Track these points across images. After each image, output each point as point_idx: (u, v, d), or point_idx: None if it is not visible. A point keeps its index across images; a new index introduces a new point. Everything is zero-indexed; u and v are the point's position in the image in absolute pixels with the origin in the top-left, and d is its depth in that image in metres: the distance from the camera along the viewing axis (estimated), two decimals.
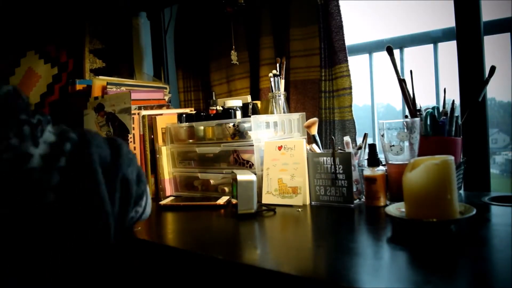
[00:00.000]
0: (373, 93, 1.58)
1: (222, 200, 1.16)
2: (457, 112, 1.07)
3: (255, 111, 1.42)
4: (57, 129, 0.70)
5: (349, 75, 1.35)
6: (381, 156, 1.06)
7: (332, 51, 1.37)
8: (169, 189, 1.38)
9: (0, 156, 0.62)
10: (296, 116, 1.35)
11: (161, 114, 1.41)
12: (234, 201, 1.08)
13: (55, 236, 0.66)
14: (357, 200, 1.08)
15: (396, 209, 0.89)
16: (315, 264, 0.72)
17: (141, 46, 2.06)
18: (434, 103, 1.39)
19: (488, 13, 1.17)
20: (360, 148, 1.14)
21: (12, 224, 0.63)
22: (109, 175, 0.70)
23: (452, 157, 0.80)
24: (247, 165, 1.21)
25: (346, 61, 1.36)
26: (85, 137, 0.70)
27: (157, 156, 1.37)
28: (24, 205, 0.62)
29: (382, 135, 1.03)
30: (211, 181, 1.31)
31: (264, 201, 1.14)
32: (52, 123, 0.71)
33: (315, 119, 1.21)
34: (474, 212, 0.80)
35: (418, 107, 1.10)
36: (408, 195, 0.83)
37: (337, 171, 1.06)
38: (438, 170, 0.79)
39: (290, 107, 1.49)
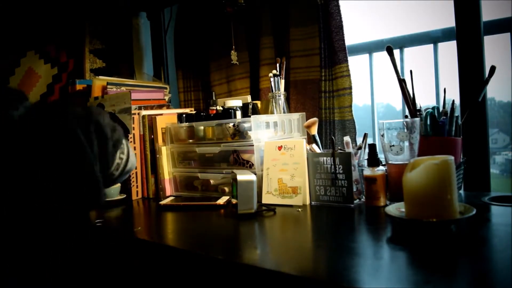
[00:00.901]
0: (373, 93, 1.58)
1: (222, 200, 1.16)
2: (457, 112, 1.07)
3: (255, 111, 1.42)
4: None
5: (349, 75, 1.35)
6: (381, 156, 1.06)
7: (332, 51, 1.37)
8: (169, 189, 1.38)
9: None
10: (296, 116, 1.35)
11: (161, 114, 1.41)
12: (234, 201, 1.08)
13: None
14: (357, 200, 1.08)
15: (396, 209, 0.89)
16: (315, 264, 0.72)
17: (141, 46, 2.07)
18: (434, 103, 1.39)
19: (488, 13, 1.17)
20: (360, 148, 1.14)
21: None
22: (83, 123, 0.77)
23: (452, 157, 0.80)
24: (247, 165, 1.21)
25: (346, 61, 1.36)
26: (64, 103, 0.81)
27: (157, 156, 1.37)
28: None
29: (382, 135, 1.03)
30: (211, 181, 1.31)
31: (264, 201, 1.14)
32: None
33: (315, 119, 1.21)
34: (474, 212, 0.80)
35: (418, 107, 1.10)
36: (408, 195, 0.83)
37: (337, 171, 1.06)
38: (438, 170, 0.79)
39: (290, 107, 1.49)
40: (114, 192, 1.29)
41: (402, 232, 0.81)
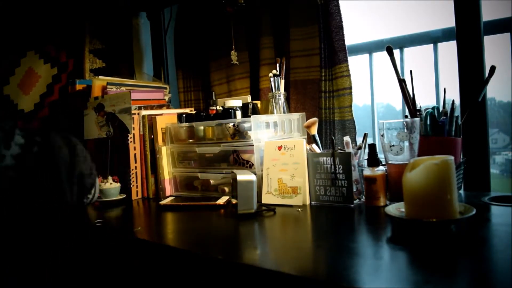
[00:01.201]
0: (373, 93, 1.58)
1: (222, 200, 1.16)
2: (457, 112, 1.07)
3: (255, 111, 1.42)
4: (23, 132, 0.80)
5: (349, 75, 1.35)
6: (381, 156, 1.06)
7: (332, 51, 1.37)
8: (169, 189, 1.38)
9: None
10: (296, 116, 1.35)
11: (161, 114, 1.41)
12: (234, 201, 1.08)
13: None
14: (357, 200, 1.08)
15: (396, 209, 0.89)
16: (315, 264, 0.72)
17: (141, 46, 2.07)
18: (434, 103, 1.39)
19: (488, 13, 1.17)
20: (360, 148, 1.14)
21: None
22: (69, 172, 0.81)
23: (452, 157, 0.80)
24: (247, 165, 1.21)
25: (346, 61, 1.36)
26: (48, 139, 0.81)
27: (157, 156, 1.37)
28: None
29: (382, 135, 1.03)
30: (211, 181, 1.31)
31: (264, 201, 1.14)
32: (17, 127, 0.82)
33: (315, 119, 1.21)
34: (474, 212, 0.80)
35: (418, 107, 1.10)
36: (408, 195, 0.83)
37: (337, 171, 1.06)
38: (438, 170, 0.79)
39: (290, 107, 1.49)
40: (114, 192, 1.29)
41: (402, 232, 0.81)
